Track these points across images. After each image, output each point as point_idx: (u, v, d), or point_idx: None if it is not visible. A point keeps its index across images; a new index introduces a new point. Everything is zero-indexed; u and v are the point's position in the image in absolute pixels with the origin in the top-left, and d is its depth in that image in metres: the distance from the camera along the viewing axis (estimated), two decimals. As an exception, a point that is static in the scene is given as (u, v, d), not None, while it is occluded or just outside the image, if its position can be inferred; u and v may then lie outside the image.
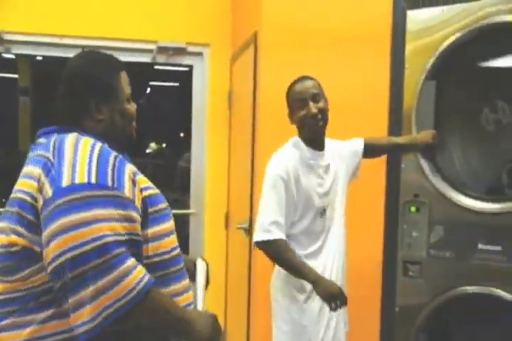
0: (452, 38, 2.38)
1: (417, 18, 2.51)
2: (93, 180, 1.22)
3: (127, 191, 1.27)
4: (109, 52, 4.00)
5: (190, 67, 4.13)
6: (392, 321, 2.59)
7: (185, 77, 4.21)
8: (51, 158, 1.28)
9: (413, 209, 2.55)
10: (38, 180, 1.25)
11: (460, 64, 2.47)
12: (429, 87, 2.44)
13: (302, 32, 2.98)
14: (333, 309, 2.10)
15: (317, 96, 2.26)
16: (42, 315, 1.24)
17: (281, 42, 3.00)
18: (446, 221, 2.48)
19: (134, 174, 1.36)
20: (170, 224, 1.44)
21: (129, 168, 1.35)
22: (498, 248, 2.31)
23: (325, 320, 2.23)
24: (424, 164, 2.50)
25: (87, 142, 1.32)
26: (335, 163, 2.37)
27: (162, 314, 1.26)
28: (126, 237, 1.21)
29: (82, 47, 3.88)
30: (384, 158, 2.67)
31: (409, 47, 2.52)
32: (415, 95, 2.48)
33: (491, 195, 2.40)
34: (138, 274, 1.19)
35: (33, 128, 6.18)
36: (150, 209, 1.36)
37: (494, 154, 2.53)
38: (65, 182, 1.21)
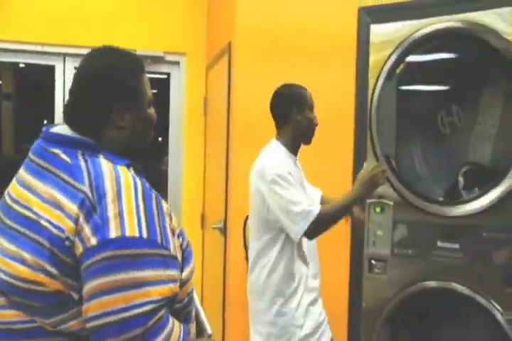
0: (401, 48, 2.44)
1: (379, 31, 2.56)
2: (145, 235, 1.06)
3: (172, 248, 1.14)
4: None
5: (168, 74, 4.14)
6: (359, 315, 2.63)
7: (163, 85, 4.21)
8: (90, 195, 1.07)
9: (378, 209, 2.58)
10: (76, 221, 1.05)
11: (421, 73, 2.53)
12: (390, 94, 2.50)
13: (273, 43, 3.02)
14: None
15: None
16: None
17: (254, 52, 3.03)
18: (408, 220, 2.52)
19: (171, 217, 1.20)
20: (192, 262, 1.29)
21: (167, 212, 1.19)
22: (456, 245, 2.37)
23: (301, 320, 2.24)
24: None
25: (127, 181, 1.12)
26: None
27: None
28: (170, 299, 1.10)
29: (63, 55, 3.88)
30: (351, 162, 2.70)
31: (373, 58, 2.57)
32: (374, 99, 2.53)
33: (449, 197, 2.46)
34: (177, 332, 1.11)
35: (15, 132, 6.12)
36: (184, 254, 1.24)
37: (451, 157, 2.59)
38: (113, 233, 1.04)
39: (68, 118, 1.24)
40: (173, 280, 1.11)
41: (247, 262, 2.66)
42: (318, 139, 2.49)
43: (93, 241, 1.03)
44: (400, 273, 2.52)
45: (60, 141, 1.18)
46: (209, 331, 1.41)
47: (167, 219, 1.16)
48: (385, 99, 2.49)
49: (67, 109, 1.26)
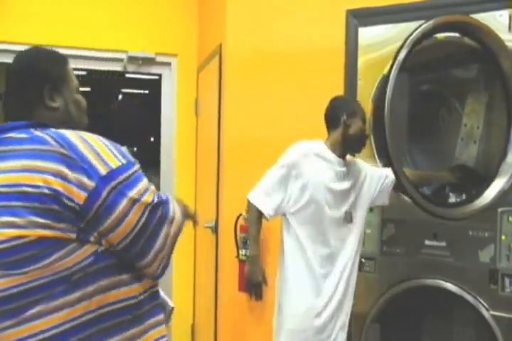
0: (403, 53, 2.45)
1: (367, 34, 2.58)
2: (124, 161, 1.27)
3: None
4: (82, 61, 3.96)
5: (159, 75, 4.13)
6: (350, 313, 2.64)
7: (155, 85, 4.21)
8: (63, 151, 1.20)
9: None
10: (63, 177, 1.17)
11: (409, 75, 2.54)
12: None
13: (263, 45, 3.03)
14: (250, 295, 2.30)
15: None
16: (72, 297, 1.19)
17: (244, 53, 3.04)
18: (397, 219, 2.54)
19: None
20: None
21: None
22: (443, 244, 2.39)
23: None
24: (379, 165, 2.56)
25: (87, 134, 1.29)
26: (357, 175, 2.38)
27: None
28: (162, 197, 1.32)
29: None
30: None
31: (361, 60, 2.59)
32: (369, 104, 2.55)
33: (436, 197, 2.48)
34: (177, 218, 1.34)
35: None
36: None
37: (437, 158, 2.61)
38: (103, 170, 1.21)
39: (8, 111, 1.39)
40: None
41: (239, 261, 2.67)
42: (308, 138, 2.51)
43: (92, 184, 1.19)
44: (389, 272, 2.54)
45: (10, 128, 1.30)
46: (171, 305, 1.57)
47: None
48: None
49: (7, 103, 1.40)
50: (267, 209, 2.27)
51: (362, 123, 2.32)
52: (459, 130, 2.51)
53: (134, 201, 1.24)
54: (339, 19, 2.63)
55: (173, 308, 1.57)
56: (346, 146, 2.32)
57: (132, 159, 1.31)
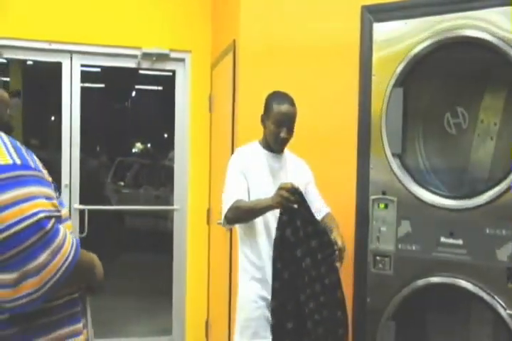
0: (417, 49, 2.42)
1: (382, 30, 2.55)
2: (18, 162, 1.19)
3: (46, 174, 1.28)
4: (96, 57, 3.99)
5: (173, 72, 4.13)
6: (364, 311, 2.62)
7: (169, 82, 4.20)
8: None
9: (382, 205, 2.57)
10: None
11: (424, 72, 2.50)
12: (397, 94, 2.48)
13: (277, 40, 3.01)
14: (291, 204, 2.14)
15: (292, 125, 2.41)
16: None
17: (258, 49, 3.02)
18: (413, 216, 2.51)
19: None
20: (66, 210, 1.39)
21: (39, 163, 1.32)
22: (460, 242, 2.35)
23: None
24: (393, 163, 2.53)
25: None
26: (294, 171, 2.50)
27: (86, 269, 1.33)
28: (54, 213, 1.20)
29: (70, 52, 3.87)
30: (354, 158, 2.68)
31: (376, 56, 2.55)
32: (383, 100, 2.52)
33: (451, 193, 2.45)
34: (69, 241, 1.20)
35: (23, 128, 6.15)
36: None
37: (453, 154, 2.57)
38: None
39: None
40: (52, 197, 1.23)
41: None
42: (322, 134, 2.49)
43: None
44: (404, 269, 2.51)
45: None
46: None
47: (40, 165, 1.29)
48: (392, 98, 2.48)
49: None
50: (239, 196, 2.32)
51: (274, 127, 2.38)
52: (475, 126, 2.48)
53: (8, 205, 1.12)
54: (354, 14, 2.60)
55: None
56: (268, 143, 2.46)
57: (31, 164, 1.22)
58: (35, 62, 4.09)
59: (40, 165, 1.29)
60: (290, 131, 2.41)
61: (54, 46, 3.83)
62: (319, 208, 2.53)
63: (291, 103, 2.41)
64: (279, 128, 2.38)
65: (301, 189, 2.29)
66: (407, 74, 2.47)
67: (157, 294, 5.02)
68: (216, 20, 3.92)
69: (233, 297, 3.17)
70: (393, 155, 2.52)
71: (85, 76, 4.02)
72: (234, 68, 3.18)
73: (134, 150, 8.18)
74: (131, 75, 4.92)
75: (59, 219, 1.22)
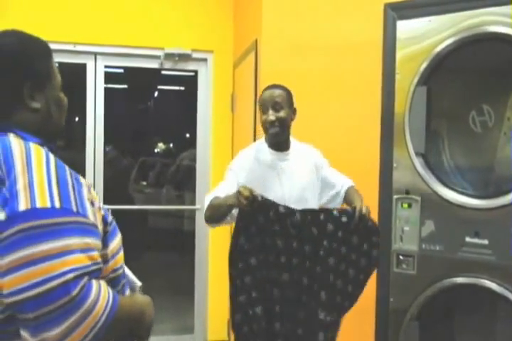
0: (441, 46, 2.39)
1: (406, 27, 2.52)
2: (57, 205, 1.00)
3: (91, 215, 1.08)
4: (120, 58, 4.00)
5: (195, 72, 4.14)
6: (387, 311, 2.59)
7: (191, 82, 4.21)
8: None
9: (405, 205, 2.55)
10: None
11: (449, 70, 2.47)
12: (420, 92, 2.45)
13: (299, 39, 3.00)
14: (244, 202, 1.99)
15: (277, 106, 2.28)
16: None
17: (280, 48, 3.01)
18: (436, 216, 2.47)
19: (89, 190, 1.15)
20: (119, 236, 1.25)
21: (85, 184, 1.14)
22: (485, 241, 2.32)
23: None
24: (417, 162, 2.50)
25: (38, 153, 1.06)
26: (302, 167, 2.39)
27: (131, 321, 1.16)
28: (91, 268, 1.03)
29: (94, 53, 3.91)
30: (377, 157, 2.66)
31: (399, 54, 2.53)
32: (407, 99, 2.49)
33: (476, 192, 2.41)
34: (102, 303, 1.03)
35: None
36: (108, 227, 1.18)
37: (478, 152, 2.53)
38: (23, 205, 0.97)
39: None
40: (93, 249, 1.05)
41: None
42: (344, 133, 2.47)
43: (2, 215, 0.97)
44: (428, 269, 2.48)
45: None
46: (138, 283, 1.38)
47: (85, 190, 1.11)
48: (416, 97, 2.45)
49: None
50: (217, 193, 2.22)
51: (261, 114, 2.30)
52: (502, 124, 2.44)
53: (35, 261, 0.96)
54: (377, 12, 2.58)
55: (141, 286, 1.38)
56: (270, 141, 2.36)
57: (73, 206, 1.03)
58: (60, 63, 4.12)
59: (85, 191, 1.11)
60: (277, 112, 2.27)
61: (79, 48, 3.87)
62: (340, 185, 2.46)
63: (276, 87, 2.33)
64: (265, 114, 2.29)
65: (314, 180, 2.33)
66: (430, 73, 2.44)
67: (179, 293, 5.04)
68: (238, 20, 3.92)
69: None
70: (417, 154, 2.50)
71: (109, 77, 4.06)
72: (256, 67, 3.18)
73: (156, 150, 8.22)
74: (153, 76, 4.94)
75: (96, 273, 1.05)
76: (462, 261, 2.38)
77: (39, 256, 0.96)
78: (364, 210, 2.18)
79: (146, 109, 7.62)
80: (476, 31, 2.31)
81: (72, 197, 1.04)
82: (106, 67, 3.99)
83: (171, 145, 8.16)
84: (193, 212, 4.31)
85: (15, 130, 1.13)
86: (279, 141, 2.36)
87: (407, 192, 2.53)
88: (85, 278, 1.00)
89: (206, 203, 2.23)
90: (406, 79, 2.50)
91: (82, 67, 3.94)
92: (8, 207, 0.97)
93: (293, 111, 2.35)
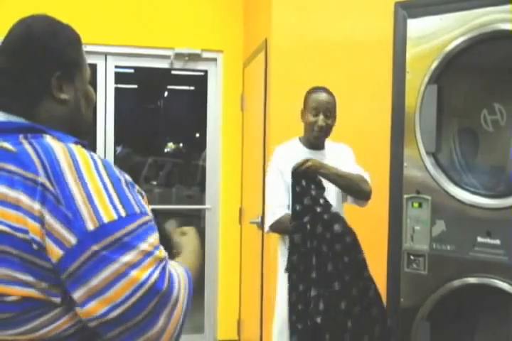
0: (452, 44, 2.37)
1: (416, 26, 2.50)
2: (123, 214, 0.94)
3: (149, 210, 1.03)
4: (131, 58, 4.00)
5: (205, 71, 4.14)
6: (398, 311, 2.58)
7: (201, 82, 4.22)
8: (48, 184, 0.91)
9: (416, 204, 2.53)
10: (41, 220, 0.90)
11: (460, 68, 2.45)
12: (431, 91, 2.43)
13: (309, 39, 3.00)
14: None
15: (329, 112, 2.41)
16: None
17: (290, 48, 3.01)
18: (447, 215, 2.46)
19: (133, 184, 1.06)
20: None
21: (129, 179, 1.05)
22: (497, 242, 2.30)
23: None
24: (427, 161, 2.49)
25: (83, 157, 0.97)
26: (339, 165, 2.40)
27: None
28: (163, 262, 0.98)
29: (105, 53, 3.92)
30: (388, 156, 2.65)
31: (410, 52, 2.51)
32: (417, 98, 2.48)
33: (488, 191, 2.39)
34: (183, 282, 1.02)
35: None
36: None
37: (489, 152, 2.51)
38: (91, 224, 0.90)
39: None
40: (159, 244, 1.00)
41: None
42: (355, 134, 2.45)
43: (72, 240, 0.89)
44: (438, 269, 2.47)
45: None
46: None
47: (136, 187, 1.06)
48: (427, 95, 2.44)
49: None
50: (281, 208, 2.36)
51: (310, 116, 2.40)
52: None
53: (124, 273, 0.91)
54: (387, 11, 2.57)
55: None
56: (308, 139, 2.48)
57: (136, 208, 0.97)
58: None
59: (134, 187, 1.04)
60: (327, 119, 2.40)
61: (90, 48, 3.86)
62: None
63: (328, 92, 2.43)
64: (315, 117, 2.39)
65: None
66: (441, 71, 2.43)
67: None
68: (248, 20, 3.92)
69: (265, 297, 3.16)
70: (427, 153, 2.48)
71: (119, 77, 4.07)
72: (266, 67, 3.18)
73: (166, 150, 8.24)
74: (163, 76, 4.95)
75: (167, 260, 1.00)
76: (474, 261, 2.37)
77: (122, 272, 0.90)
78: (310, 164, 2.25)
79: (156, 109, 7.64)
80: (487, 29, 2.29)
81: (131, 198, 0.98)
82: (116, 67, 4.00)
83: (181, 145, 8.18)
84: (203, 211, 4.31)
85: (47, 130, 1.03)
86: (318, 142, 2.49)
87: (418, 192, 2.51)
88: (166, 270, 0.96)
89: (271, 217, 2.38)
90: (417, 78, 2.49)
91: (93, 68, 3.95)
92: (76, 230, 0.90)
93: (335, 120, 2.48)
